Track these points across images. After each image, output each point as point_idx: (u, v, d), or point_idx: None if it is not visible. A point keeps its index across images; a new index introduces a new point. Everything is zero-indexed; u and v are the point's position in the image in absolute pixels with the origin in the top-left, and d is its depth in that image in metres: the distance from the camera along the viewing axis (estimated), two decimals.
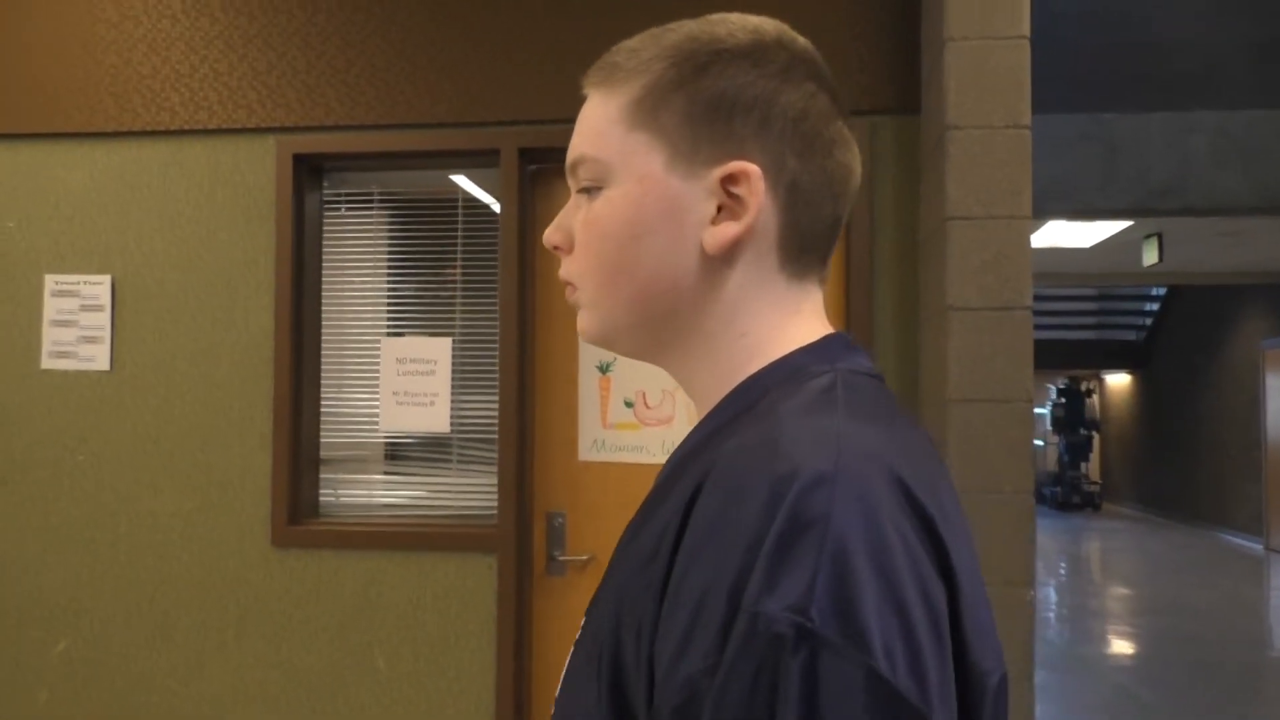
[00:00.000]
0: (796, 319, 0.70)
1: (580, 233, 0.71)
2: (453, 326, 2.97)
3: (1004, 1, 2.21)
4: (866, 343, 2.65)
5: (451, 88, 2.84)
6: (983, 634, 0.57)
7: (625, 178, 0.68)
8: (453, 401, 2.91)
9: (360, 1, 2.89)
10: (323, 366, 3.01)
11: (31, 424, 2.97)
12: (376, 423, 2.95)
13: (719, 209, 0.67)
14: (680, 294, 0.68)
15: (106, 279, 2.96)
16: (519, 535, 2.81)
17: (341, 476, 3.01)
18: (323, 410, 3.01)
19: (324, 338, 3.01)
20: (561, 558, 2.88)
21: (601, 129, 0.69)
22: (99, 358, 2.96)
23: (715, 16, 0.71)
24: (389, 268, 3.01)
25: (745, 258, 0.68)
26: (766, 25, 0.71)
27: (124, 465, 2.92)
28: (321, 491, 3.01)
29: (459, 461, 2.97)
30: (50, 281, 2.98)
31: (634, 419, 2.88)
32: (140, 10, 2.97)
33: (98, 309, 2.96)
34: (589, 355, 2.90)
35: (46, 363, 2.97)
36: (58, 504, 2.94)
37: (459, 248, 2.98)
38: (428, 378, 2.92)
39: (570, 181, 0.73)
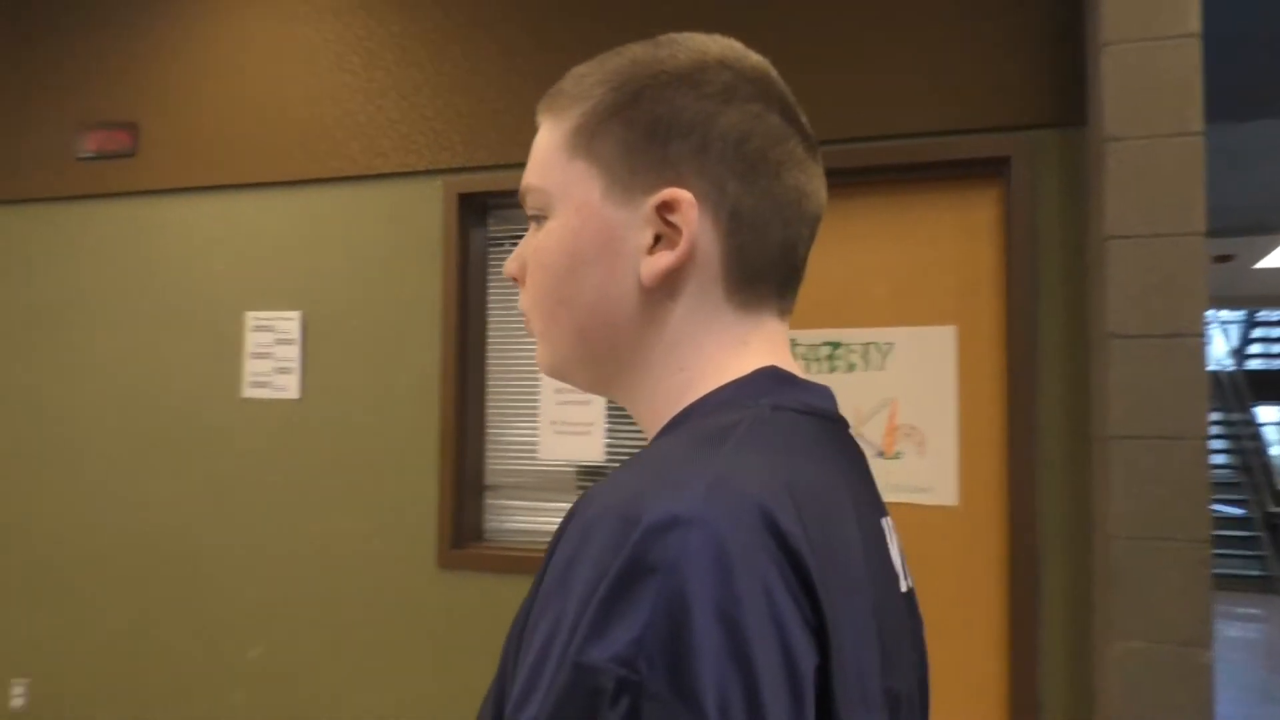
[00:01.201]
0: (742, 351, 0.66)
1: (529, 263, 0.70)
2: None
3: None
4: (1029, 372, 2.47)
5: None
6: (866, 682, 0.52)
7: (565, 207, 0.67)
8: (608, 431, 2.94)
9: (518, 46, 3.00)
10: (487, 396, 3.13)
11: (234, 446, 3.25)
12: (537, 451, 3.04)
13: (656, 238, 0.64)
14: (619, 327, 0.66)
15: (297, 314, 3.21)
16: None
17: (505, 502, 3.11)
18: (487, 438, 3.12)
19: (488, 368, 3.13)
20: None
21: (546, 158, 0.68)
22: (290, 387, 3.21)
23: (665, 38, 0.68)
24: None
25: (688, 289, 0.65)
26: (712, 46, 0.67)
27: (309, 487, 3.15)
28: (486, 516, 3.12)
29: None
30: (251, 318, 3.27)
31: None
32: (324, 67, 3.22)
33: (289, 342, 3.22)
34: None
35: (247, 392, 3.25)
36: (255, 520, 3.20)
37: None
38: (584, 407, 2.97)
39: (524, 210, 0.72)
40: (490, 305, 3.15)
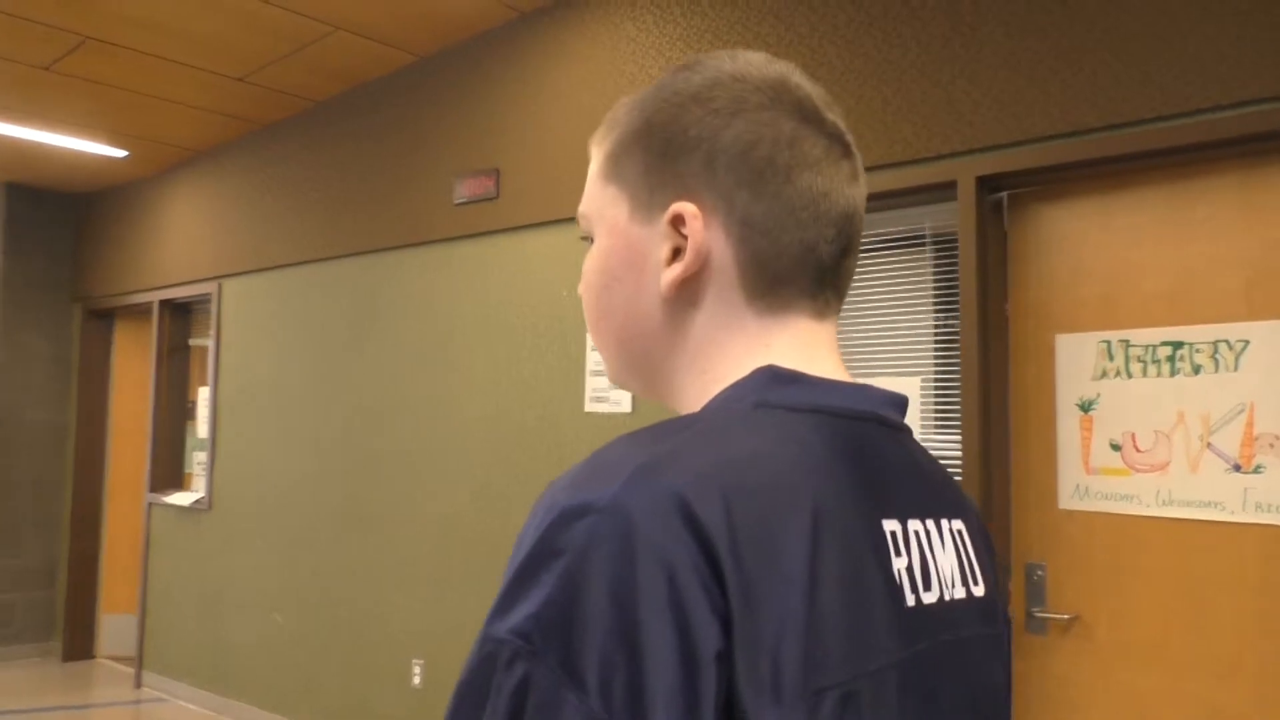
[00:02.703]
0: (764, 354, 0.67)
1: (581, 282, 0.77)
2: (923, 366, 2.91)
3: None
4: None
5: (908, 126, 2.82)
6: (786, 670, 0.51)
7: (601, 229, 0.72)
8: (924, 443, 2.84)
9: (933, 32, 3.01)
10: None
11: (578, 456, 3.56)
12: None
13: (675, 252, 0.68)
14: (650, 336, 0.70)
15: None
16: None
17: None
18: None
19: None
20: (1041, 614, 2.63)
21: (589, 184, 0.74)
22: (623, 402, 3.45)
23: (693, 59, 0.72)
24: (860, 309, 3.06)
25: (708, 296, 0.68)
26: (728, 63, 0.70)
27: None
28: None
29: None
30: (589, 338, 3.56)
31: (1122, 464, 2.54)
32: None
33: None
34: (1067, 393, 2.64)
35: (589, 406, 3.55)
36: None
37: (930, 285, 2.92)
38: None
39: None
40: None
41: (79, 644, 6.58)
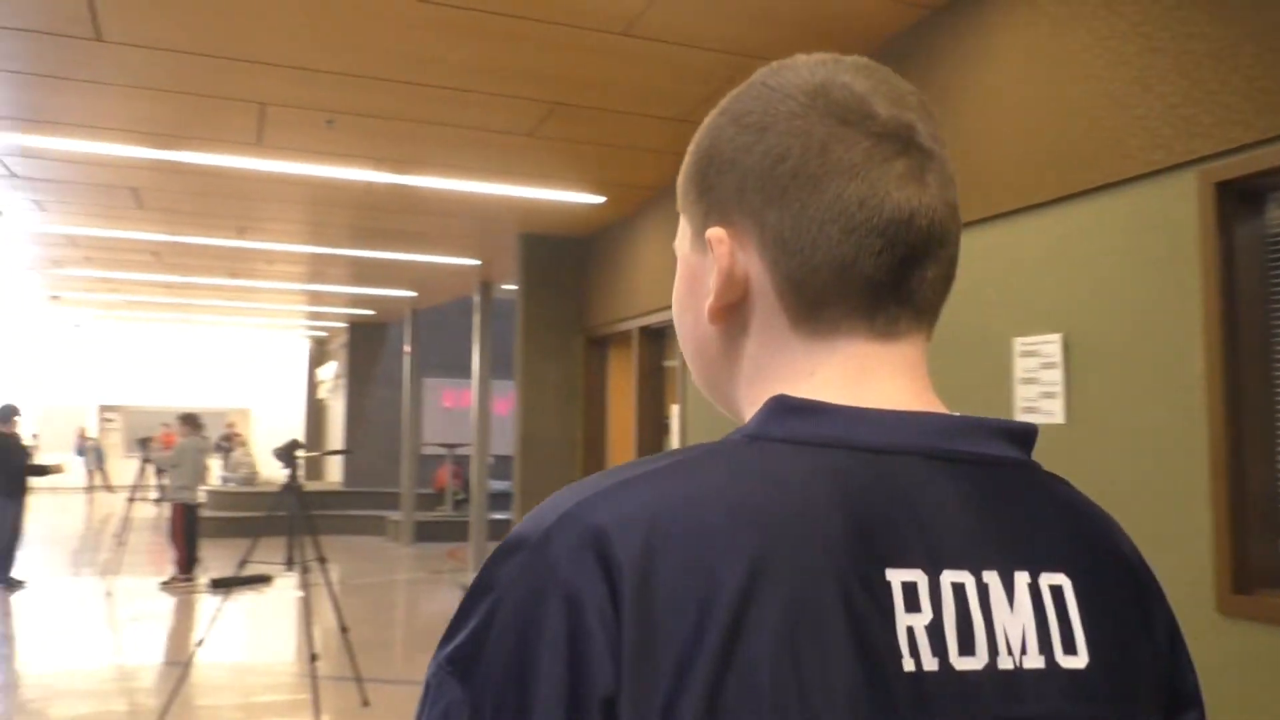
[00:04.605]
0: (806, 383, 0.63)
1: None
2: None
3: None
4: None
5: None
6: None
7: (679, 259, 0.73)
8: None
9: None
10: (1279, 414, 2.63)
11: None
12: None
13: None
14: (712, 361, 0.70)
15: (1058, 337, 3.14)
16: None
17: None
18: None
19: (1278, 380, 2.63)
20: None
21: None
22: (1056, 412, 3.15)
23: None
24: None
25: (754, 323, 0.66)
26: (769, 75, 0.66)
27: None
28: None
29: None
30: (1018, 344, 3.30)
31: None
32: (1067, 78, 3.12)
33: (1052, 366, 3.16)
34: None
35: (1018, 418, 3.28)
36: None
37: None
38: None
39: None
40: (1274, 309, 2.64)
41: None
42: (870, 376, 0.62)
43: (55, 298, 13.79)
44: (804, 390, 0.62)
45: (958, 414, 0.62)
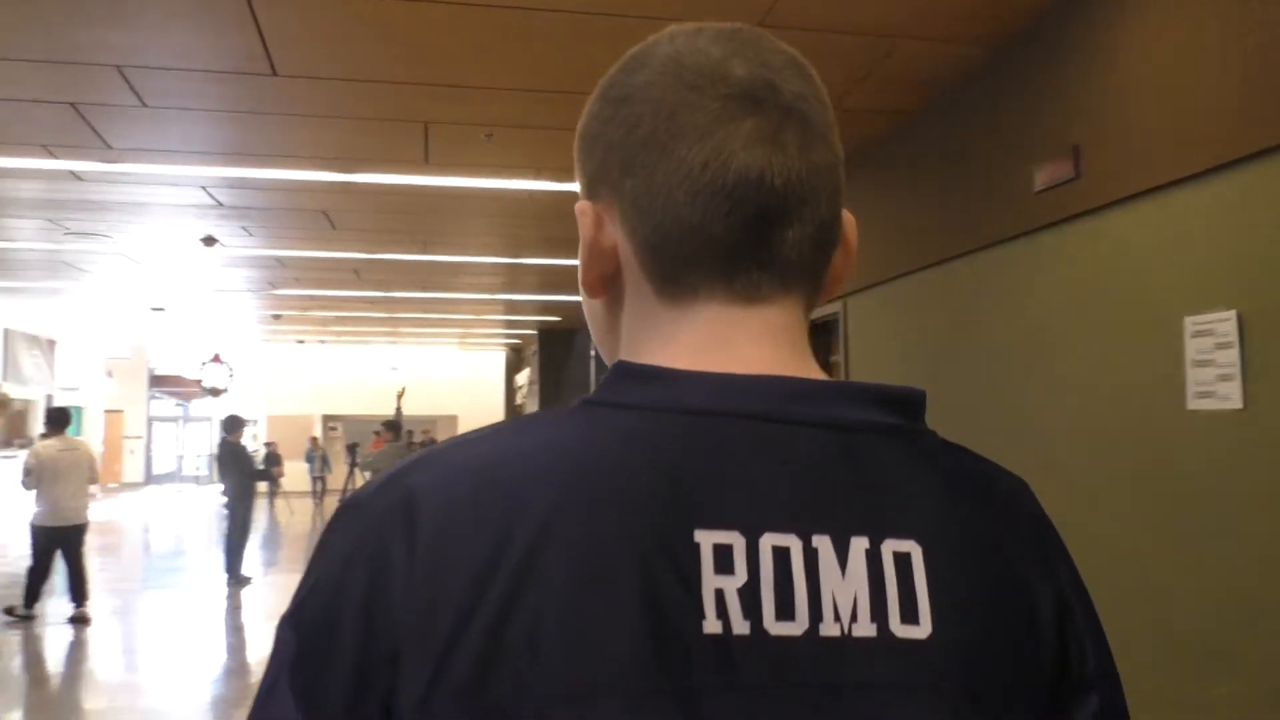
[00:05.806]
0: (667, 349, 0.63)
1: None
2: None
3: None
4: None
5: None
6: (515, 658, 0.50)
7: None
8: None
9: None
10: None
11: (1178, 463, 3.04)
12: None
13: None
14: (602, 335, 0.71)
15: (1232, 314, 2.85)
16: None
17: None
18: None
19: None
20: None
21: None
22: (1233, 396, 2.86)
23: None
24: None
25: (626, 293, 0.66)
26: (635, 48, 0.67)
27: (1253, 507, 2.74)
28: None
29: None
30: (1189, 323, 3.02)
31: None
32: (1232, 34, 2.83)
33: (1228, 346, 2.88)
34: None
35: (1191, 404, 3.01)
36: (1200, 549, 2.92)
37: None
38: None
39: None
40: None
41: None
42: (728, 342, 0.61)
43: (276, 316, 15.01)
44: (662, 357, 0.61)
45: (821, 379, 0.59)
